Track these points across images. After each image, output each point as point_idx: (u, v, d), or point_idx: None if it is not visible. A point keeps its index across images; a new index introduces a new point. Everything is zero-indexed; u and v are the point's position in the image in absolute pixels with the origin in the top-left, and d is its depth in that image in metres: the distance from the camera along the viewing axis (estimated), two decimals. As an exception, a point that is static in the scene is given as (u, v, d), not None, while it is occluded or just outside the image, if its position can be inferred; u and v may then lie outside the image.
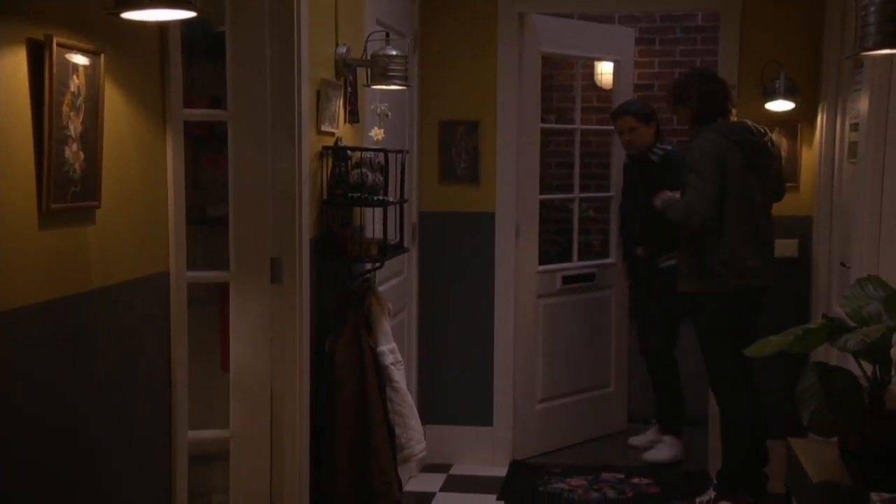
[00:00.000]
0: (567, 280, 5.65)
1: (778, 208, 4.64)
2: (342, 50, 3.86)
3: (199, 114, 3.47)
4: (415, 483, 5.04)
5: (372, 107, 4.19)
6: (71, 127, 2.18)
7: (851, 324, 2.68)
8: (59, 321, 2.21)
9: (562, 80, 6.88)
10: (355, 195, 3.69)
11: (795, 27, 5.01)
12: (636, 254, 5.57)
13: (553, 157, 6.86)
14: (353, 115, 4.03)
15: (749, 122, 4.54)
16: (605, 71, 6.65)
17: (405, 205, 4.34)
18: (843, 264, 4.40)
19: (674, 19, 6.87)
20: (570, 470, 5.25)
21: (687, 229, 4.49)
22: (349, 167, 3.73)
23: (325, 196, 3.73)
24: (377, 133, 3.98)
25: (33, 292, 2.10)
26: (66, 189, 2.17)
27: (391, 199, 3.89)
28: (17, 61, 2.03)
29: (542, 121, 5.68)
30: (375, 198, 3.72)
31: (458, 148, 5.30)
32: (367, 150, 3.85)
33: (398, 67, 3.82)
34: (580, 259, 5.83)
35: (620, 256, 5.85)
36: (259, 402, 3.43)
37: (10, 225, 2.01)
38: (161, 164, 2.71)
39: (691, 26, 6.88)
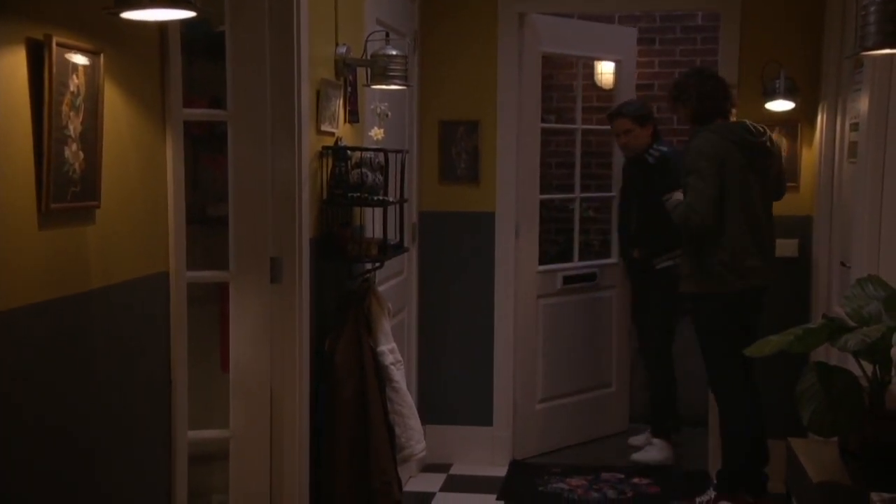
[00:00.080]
0: (568, 280, 5.64)
1: (778, 208, 4.64)
2: (342, 50, 3.86)
3: (199, 114, 3.47)
4: (415, 483, 5.04)
5: (372, 107, 4.18)
6: (70, 127, 2.18)
7: (851, 324, 2.68)
8: (58, 321, 2.21)
9: (562, 79, 6.88)
10: (355, 195, 3.69)
11: (795, 27, 5.01)
12: (632, 255, 5.56)
13: (553, 157, 6.85)
14: (352, 115, 4.03)
15: (748, 122, 4.54)
16: (605, 71, 6.65)
17: (405, 205, 4.34)
18: (843, 264, 4.40)
19: (674, 19, 6.86)
20: (570, 470, 5.25)
21: (688, 230, 4.49)
22: (349, 167, 3.73)
23: (325, 196, 3.73)
24: (377, 133, 3.98)
25: (33, 292, 2.10)
26: (66, 189, 2.17)
27: (391, 199, 3.89)
28: (17, 61, 2.03)
29: (542, 121, 5.68)
30: (375, 198, 3.71)
31: (458, 148, 5.29)
32: (367, 149, 3.85)
33: (398, 67, 3.82)
34: (580, 259, 5.83)
35: (620, 256, 5.85)
36: (259, 402, 3.43)
37: (9, 225, 2.01)
38: (161, 164, 2.71)
39: (691, 26, 6.88)
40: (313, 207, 3.62)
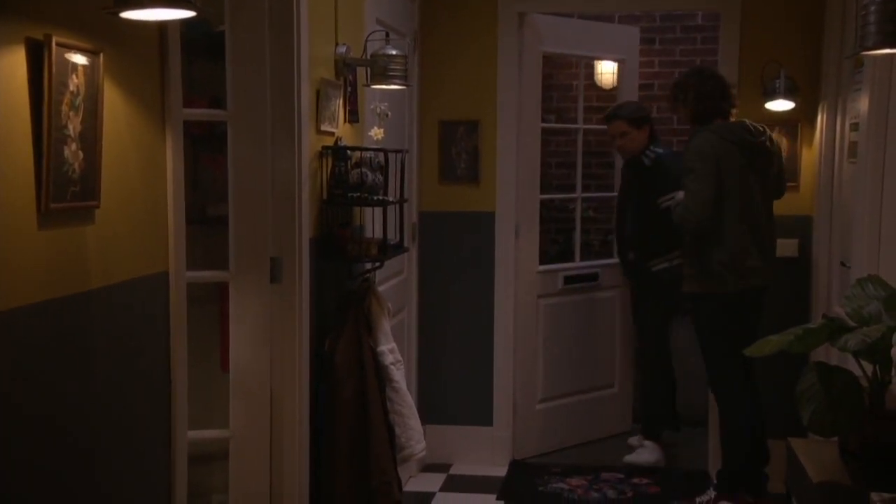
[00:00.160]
0: (569, 280, 5.64)
1: (778, 208, 4.63)
2: (342, 49, 3.86)
3: (198, 113, 3.47)
4: (415, 483, 5.03)
5: (372, 106, 4.18)
6: (70, 126, 2.18)
7: (851, 324, 2.68)
8: (58, 321, 2.21)
9: (561, 79, 6.87)
10: (355, 195, 3.69)
11: (795, 27, 5.01)
12: (628, 257, 5.54)
13: (553, 157, 6.85)
14: (352, 115, 4.03)
15: (748, 122, 4.53)
16: (605, 70, 6.65)
17: (405, 204, 4.34)
18: (843, 264, 4.39)
19: (674, 19, 6.86)
20: (570, 470, 5.25)
21: (686, 230, 4.49)
22: (349, 167, 3.73)
23: (324, 196, 3.73)
24: (377, 133, 3.98)
25: (32, 292, 2.10)
26: (66, 189, 2.17)
27: (391, 199, 3.89)
28: (17, 61, 2.03)
29: (542, 121, 5.67)
30: (375, 197, 3.71)
31: (458, 148, 5.29)
32: (366, 149, 3.85)
33: (398, 67, 3.82)
34: (581, 259, 5.82)
35: (618, 258, 5.83)
36: (259, 402, 3.43)
37: (9, 225, 2.01)
38: (161, 164, 2.71)
39: (691, 26, 6.88)
40: (313, 207, 3.62)
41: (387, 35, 3.95)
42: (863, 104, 3.87)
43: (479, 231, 5.31)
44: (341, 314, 3.76)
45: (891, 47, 2.59)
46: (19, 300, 2.04)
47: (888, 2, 2.51)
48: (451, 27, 5.24)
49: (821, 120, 4.88)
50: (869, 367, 2.65)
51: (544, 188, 5.80)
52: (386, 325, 3.88)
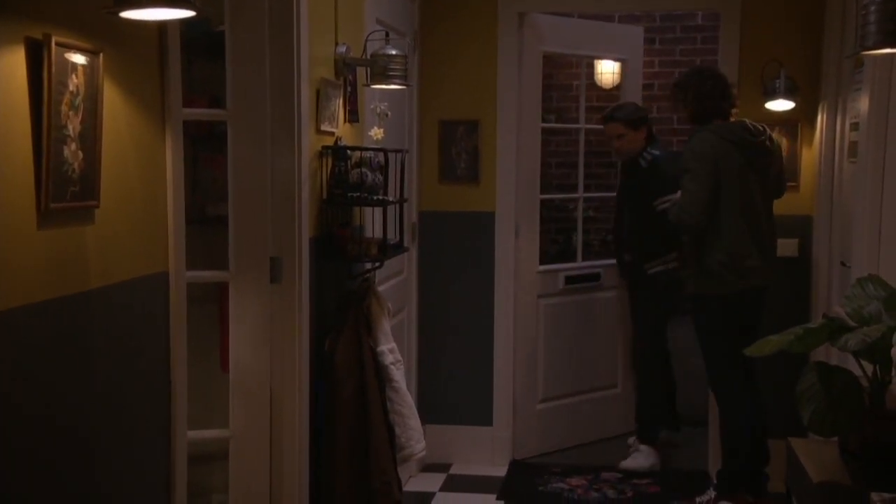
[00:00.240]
0: (570, 280, 5.62)
1: (778, 208, 4.63)
2: (342, 49, 3.86)
3: (198, 113, 3.47)
4: (415, 483, 5.03)
5: (371, 106, 4.18)
6: (70, 126, 2.18)
7: (852, 323, 2.67)
8: (58, 321, 2.21)
9: (561, 79, 6.88)
10: (355, 195, 3.68)
11: (795, 26, 5.01)
12: (624, 259, 5.51)
13: (553, 157, 6.86)
14: (352, 115, 4.03)
15: (747, 121, 4.53)
16: (604, 70, 6.65)
17: (405, 204, 4.34)
18: (843, 264, 4.39)
19: (674, 19, 6.87)
20: (570, 470, 5.25)
21: (686, 230, 4.50)
22: (349, 167, 3.73)
23: (324, 196, 3.73)
24: (377, 132, 3.98)
25: (32, 292, 2.10)
26: (65, 188, 2.17)
27: (391, 199, 3.89)
28: (16, 60, 2.03)
29: (542, 120, 5.67)
30: (375, 197, 3.71)
31: (458, 148, 5.29)
32: (366, 149, 3.84)
33: (398, 67, 3.81)
34: (581, 259, 5.81)
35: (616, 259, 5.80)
36: (259, 402, 3.43)
37: (8, 224, 2.01)
38: (160, 164, 2.71)
39: (691, 25, 6.88)
40: (313, 207, 3.62)
41: (387, 35, 3.95)
42: (863, 104, 3.87)
43: (479, 231, 5.31)
44: (341, 314, 3.76)
45: (891, 47, 2.59)
46: (19, 300, 2.04)
47: (888, 1, 2.51)
48: (451, 27, 5.24)
49: (821, 120, 4.88)
50: (869, 367, 2.65)
51: (544, 188, 5.80)
52: (386, 325, 3.88)
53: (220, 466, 3.55)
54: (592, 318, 5.72)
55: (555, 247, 6.60)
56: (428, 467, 5.24)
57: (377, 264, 3.99)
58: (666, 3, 5.98)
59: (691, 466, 5.28)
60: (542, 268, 5.53)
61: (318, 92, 3.62)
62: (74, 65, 2.18)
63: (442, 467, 5.28)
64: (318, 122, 3.64)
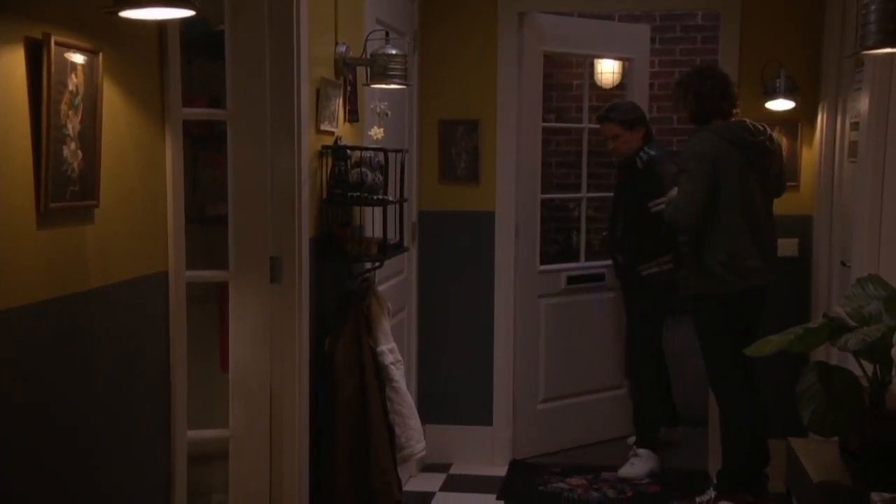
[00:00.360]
0: (572, 280, 5.61)
1: (778, 208, 4.63)
2: (342, 49, 3.86)
3: (198, 113, 3.47)
4: (415, 483, 5.03)
5: (371, 106, 4.18)
6: (69, 126, 2.18)
7: (852, 323, 2.67)
8: (57, 321, 2.20)
9: (561, 79, 6.87)
10: (355, 194, 3.68)
11: (795, 26, 5.00)
12: (618, 260, 5.48)
13: (553, 157, 6.85)
14: (352, 115, 4.03)
15: (748, 121, 4.53)
16: (604, 70, 6.63)
17: (405, 204, 4.34)
18: (843, 263, 4.39)
19: (674, 18, 6.86)
20: (570, 470, 5.25)
21: (681, 230, 4.50)
22: (349, 166, 3.73)
23: (324, 195, 3.73)
24: (377, 132, 3.98)
25: (32, 292, 2.09)
26: (65, 188, 2.17)
27: (391, 199, 3.89)
28: (15, 60, 2.02)
29: (542, 120, 5.66)
30: (375, 197, 3.71)
31: (457, 147, 5.29)
32: (366, 149, 3.84)
33: (398, 66, 3.81)
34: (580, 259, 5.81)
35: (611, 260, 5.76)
36: (258, 402, 3.43)
37: (8, 224, 2.01)
38: (160, 164, 2.71)
39: (691, 25, 6.88)
40: (313, 207, 3.62)
41: (387, 34, 3.95)
42: (863, 104, 3.87)
43: (479, 231, 5.31)
44: (341, 314, 3.75)
45: (891, 46, 2.59)
46: (19, 300, 2.04)
47: (888, 1, 2.51)
48: (451, 27, 5.24)
49: (821, 119, 4.88)
50: (869, 367, 2.65)
51: (544, 188, 5.79)
52: (386, 325, 3.88)
53: (220, 466, 3.55)
54: (594, 318, 5.70)
55: (554, 247, 6.59)
56: (428, 467, 5.24)
57: (377, 264, 3.98)
58: (666, 3, 5.98)
59: (691, 466, 5.28)
60: (542, 268, 5.52)
61: (318, 92, 3.62)
62: (74, 64, 2.18)
63: (442, 467, 5.28)
64: (317, 121, 3.64)
